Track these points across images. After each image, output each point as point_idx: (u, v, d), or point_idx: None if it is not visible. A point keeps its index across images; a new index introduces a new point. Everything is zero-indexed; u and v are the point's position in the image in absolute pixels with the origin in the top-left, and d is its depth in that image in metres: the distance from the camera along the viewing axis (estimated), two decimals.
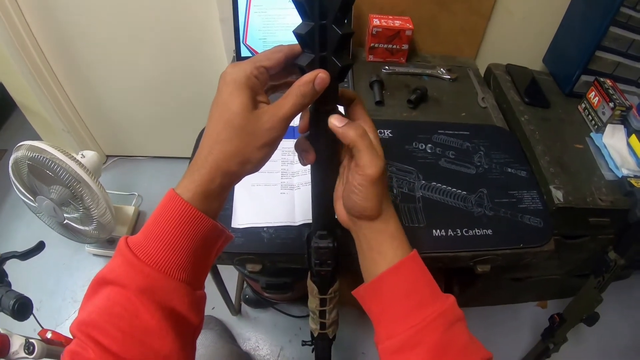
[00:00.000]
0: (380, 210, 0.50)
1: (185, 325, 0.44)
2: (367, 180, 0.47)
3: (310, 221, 0.70)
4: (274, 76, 0.47)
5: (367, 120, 0.50)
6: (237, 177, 0.45)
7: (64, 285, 1.63)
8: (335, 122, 0.47)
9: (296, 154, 0.53)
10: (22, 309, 0.79)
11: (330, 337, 0.84)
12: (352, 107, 0.51)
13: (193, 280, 0.44)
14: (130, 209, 1.75)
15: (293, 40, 0.44)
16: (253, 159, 0.44)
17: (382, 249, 0.50)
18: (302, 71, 0.44)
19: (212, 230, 0.45)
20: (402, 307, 0.48)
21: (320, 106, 0.47)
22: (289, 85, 0.46)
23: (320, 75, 0.42)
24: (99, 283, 0.42)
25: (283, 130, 0.44)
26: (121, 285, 0.40)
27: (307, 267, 0.71)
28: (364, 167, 0.46)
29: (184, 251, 0.42)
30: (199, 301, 0.46)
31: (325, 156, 0.52)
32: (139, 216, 1.80)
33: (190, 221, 0.42)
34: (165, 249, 0.41)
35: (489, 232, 0.84)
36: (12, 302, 0.78)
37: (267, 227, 0.80)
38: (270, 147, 0.44)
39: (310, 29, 0.41)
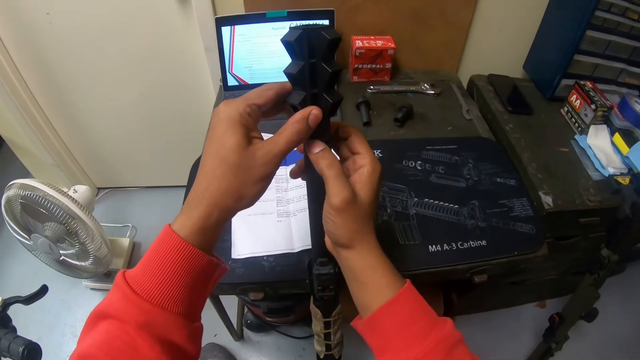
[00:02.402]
0: (352, 240, 0.50)
1: (184, 357, 0.44)
2: (332, 209, 0.47)
3: (309, 247, 0.71)
4: (265, 113, 0.48)
5: (367, 153, 0.51)
6: (232, 212, 0.46)
7: (64, 321, 1.61)
8: (313, 148, 0.48)
9: (290, 180, 0.54)
10: (31, 355, 0.79)
11: (337, 358, 0.84)
12: (351, 139, 0.51)
13: (190, 313, 0.45)
14: (125, 241, 1.74)
15: (278, 65, 0.46)
16: (248, 195, 0.45)
17: (366, 280, 0.51)
18: (295, 109, 0.45)
19: (208, 265, 0.45)
20: (401, 339, 0.48)
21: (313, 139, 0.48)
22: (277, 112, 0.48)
23: (313, 112, 0.44)
24: (98, 316, 0.42)
25: (277, 166, 0.45)
26: (120, 320, 0.41)
27: (308, 292, 0.72)
28: (329, 196, 0.47)
29: (181, 286, 0.43)
30: (197, 333, 0.47)
31: (322, 187, 0.53)
32: (134, 247, 1.79)
33: (187, 258, 0.43)
34: (162, 283, 0.42)
35: (483, 242, 0.86)
36: (21, 349, 0.77)
37: (266, 255, 0.81)
38: (264, 182, 0.45)
39: (301, 68, 0.42)
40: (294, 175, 0.54)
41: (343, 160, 0.53)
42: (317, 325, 0.77)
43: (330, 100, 0.45)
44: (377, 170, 0.50)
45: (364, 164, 0.50)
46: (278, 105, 0.48)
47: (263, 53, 1.16)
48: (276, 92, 0.46)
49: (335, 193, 0.47)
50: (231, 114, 0.44)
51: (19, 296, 0.89)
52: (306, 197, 0.57)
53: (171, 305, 0.42)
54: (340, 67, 0.45)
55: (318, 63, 0.43)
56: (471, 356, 0.48)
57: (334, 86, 0.45)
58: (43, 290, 0.92)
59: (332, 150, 0.51)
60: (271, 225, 0.85)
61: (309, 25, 0.42)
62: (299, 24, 0.43)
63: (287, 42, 0.42)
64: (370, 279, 0.50)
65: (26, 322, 1.58)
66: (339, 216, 0.48)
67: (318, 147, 0.48)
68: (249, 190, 0.44)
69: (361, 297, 0.52)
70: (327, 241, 0.56)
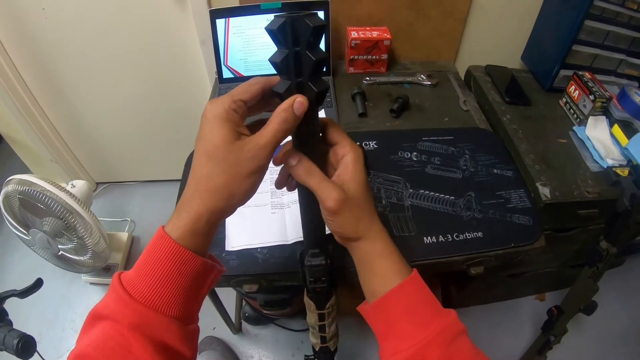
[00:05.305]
0: (358, 232, 0.51)
1: (178, 359, 0.44)
2: (329, 213, 0.49)
3: (302, 239, 0.71)
4: (252, 108, 0.47)
5: (345, 140, 0.51)
6: (224, 213, 0.45)
7: (63, 316, 1.62)
8: (290, 160, 0.49)
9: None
10: (26, 347, 0.80)
11: (332, 350, 0.84)
12: (327, 131, 0.52)
13: (185, 315, 0.44)
14: (123, 235, 1.74)
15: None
16: (239, 192, 0.44)
17: (375, 269, 0.52)
18: (281, 98, 0.44)
19: (202, 267, 0.45)
20: (405, 325, 0.49)
21: (301, 129, 0.48)
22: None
23: (298, 100, 0.43)
24: (95, 317, 0.43)
25: (267, 159, 0.44)
26: (115, 321, 0.41)
27: (302, 284, 0.72)
28: (322, 201, 0.49)
29: (175, 289, 0.43)
30: (192, 335, 0.47)
31: None
32: (132, 242, 1.79)
33: (180, 260, 0.42)
34: (156, 286, 0.42)
35: (480, 234, 0.85)
36: (15, 342, 0.78)
37: (260, 247, 0.81)
38: (254, 176, 0.44)
39: (285, 57, 0.42)
40: (278, 185, 0.54)
41: (324, 154, 0.53)
42: (312, 318, 0.77)
43: (316, 89, 0.44)
44: (360, 155, 0.51)
45: (345, 153, 0.51)
46: (265, 100, 0.48)
47: (258, 45, 1.15)
48: (262, 86, 0.46)
49: (327, 197, 0.48)
50: (216, 111, 0.43)
51: (15, 290, 0.89)
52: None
53: (165, 309, 0.42)
54: (325, 55, 0.44)
55: (302, 51, 0.42)
56: (474, 349, 0.49)
57: (319, 74, 0.44)
58: (38, 283, 0.93)
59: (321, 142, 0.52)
60: (265, 217, 0.85)
61: (293, 13, 0.41)
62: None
63: (270, 31, 0.42)
64: (379, 266, 0.52)
65: (26, 317, 1.59)
66: (338, 216, 0.49)
67: (294, 160, 0.49)
68: (238, 186, 0.44)
69: (370, 284, 0.53)
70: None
